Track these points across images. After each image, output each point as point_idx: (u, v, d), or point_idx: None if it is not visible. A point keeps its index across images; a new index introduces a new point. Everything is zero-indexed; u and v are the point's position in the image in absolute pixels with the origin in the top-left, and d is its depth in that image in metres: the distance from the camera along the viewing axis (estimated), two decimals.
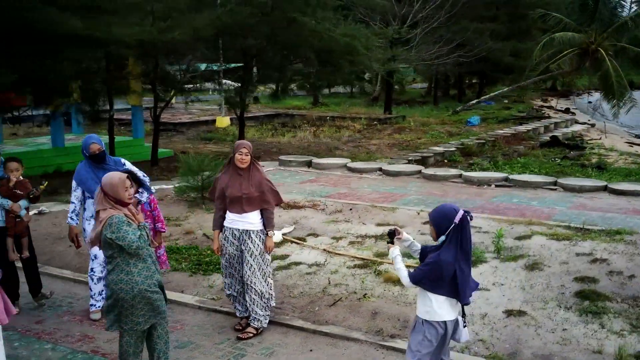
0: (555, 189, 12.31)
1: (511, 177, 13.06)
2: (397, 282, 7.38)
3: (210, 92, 31.69)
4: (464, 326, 4.51)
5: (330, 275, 7.64)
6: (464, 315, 4.50)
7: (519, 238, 8.99)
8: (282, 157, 15.56)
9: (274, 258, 8.23)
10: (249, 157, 6.02)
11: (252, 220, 6.03)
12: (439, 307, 4.40)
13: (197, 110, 32.17)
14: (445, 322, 4.42)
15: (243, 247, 6.04)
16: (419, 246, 4.65)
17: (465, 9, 32.04)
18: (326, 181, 13.47)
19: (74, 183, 6.37)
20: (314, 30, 17.04)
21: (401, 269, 4.52)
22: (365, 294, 7.05)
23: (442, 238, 4.37)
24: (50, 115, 16.81)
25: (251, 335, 6.01)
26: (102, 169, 6.31)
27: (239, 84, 22.61)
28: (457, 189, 12.66)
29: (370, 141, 23.51)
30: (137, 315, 4.82)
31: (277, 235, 9.04)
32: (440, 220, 4.39)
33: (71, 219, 6.40)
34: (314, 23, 17.21)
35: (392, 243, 4.69)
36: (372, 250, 8.57)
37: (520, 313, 6.55)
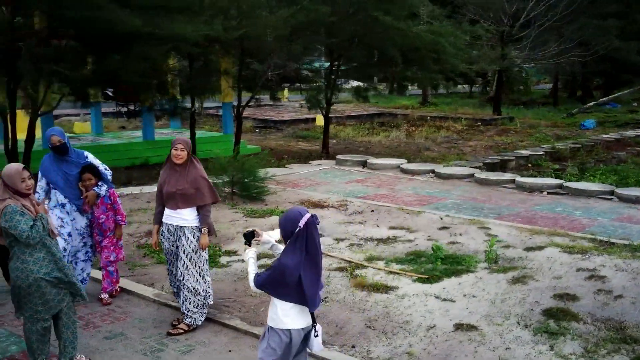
0: (611, 199, 11.37)
1: (566, 184, 12.21)
2: (365, 287, 7.20)
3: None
4: (316, 335, 4.33)
5: None
6: (314, 323, 4.33)
7: (529, 249, 8.44)
8: (339, 157, 15.48)
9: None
10: (185, 152, 6.08)
11: (186, 216, 6.10)
12: (284, 315, 4.26)
13: (305, 108, 32.67)
14: (289, 331, 4.27)
15: (178, 244, 6.14)
16: (282, 249, 4.53)
17: (585, 5, 30.18)
18: (373, 182, 13.27)
19: (39, 174, 6.71)
20: (397, 28, 16.81)
21: (251, 271, 4.43)
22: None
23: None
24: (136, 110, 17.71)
25: (181, 331, 6.09)
26: (64, 160, 6.64)
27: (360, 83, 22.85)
28: (504, 195, 12.03)
29: (467, 142, 22.87)
30: (35, 303, 5.05)
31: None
32: (285, 224, 4.27)
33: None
34: (396, 21, 16.96)
35: (250, 245, 4.59)
36: (366, 254, 8.39)
37: (471, 328, 6.17)
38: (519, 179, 12.73)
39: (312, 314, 4.29)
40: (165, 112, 17.86)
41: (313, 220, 4.22)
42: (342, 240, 9.03)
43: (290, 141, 23.43)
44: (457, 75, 30.82)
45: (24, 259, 4.99)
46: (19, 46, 13.31)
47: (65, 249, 6.68)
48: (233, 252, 8.45)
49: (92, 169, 6.68)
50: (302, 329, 4.29)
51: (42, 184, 6.69)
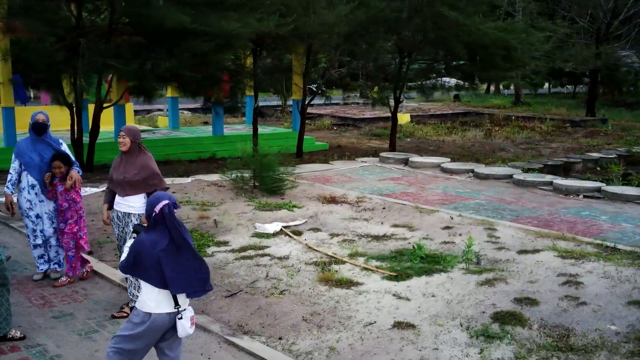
0: None
1: (604, 188, 11.49)
2: (328, 282, 7.16)
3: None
4: (179, 318, 4.37)
5: (280, 269, 7.61)
6: (177, 306, 4.36)
7: (523, 252, 8.07)
8: (383, 154, 15.31)
9: (253, 247, 8.38)
10: (128, 140, 6.25)
11: (133, 203, 6.30)
12: (147, 298, 4.32)
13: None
14: (150, 314, 4.34)
15: (126, 229, 6.36)
16: None
17: None
18: (407, 180, 13.05)
19: (13, 156, 7.12)
20: (462, 24, 16.43)
21: (122, 258, 4.50)
22: (283, 291, 6.94)
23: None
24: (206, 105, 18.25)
25: (125, 314, 6.27)
26: (42, 142, 7.03)
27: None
28: (536, 197, 11.49)
29: (550, 144, 21.98)
30: None
31: (273, 226, 9.18)
32: (148, 206, 4.37)
33: (7, 187, 7.12)
34: (462, 17, 16.57)
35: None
36: (352, 250, 8.32)
37: (409, 326, 6.00)
38: (556, 181, 12.12)
39: (174, 297, 4.33)
40: (227, 108, 18.28)
41: (169, 207, 4.29)
42: (338, 235, 8.99)
43: (363, 139, 23.39)
44: (547, 74, 29.76)
45: None
46: (80, 42, 14.13)
47: (34, 230, 7.09)
48: (223, 243, 8.61)
49: (62, 157, 7.00)
50: (168, 313, 4.35)
51: (15, 165, 7.07)
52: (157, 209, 4.27)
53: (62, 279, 7.13)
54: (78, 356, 5.46)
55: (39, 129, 7.02)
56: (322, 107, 30.03)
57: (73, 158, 7.13)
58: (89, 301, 6.72)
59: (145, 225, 4.55)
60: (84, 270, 7.29)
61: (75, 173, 6.98)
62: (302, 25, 15.75)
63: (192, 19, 13.73)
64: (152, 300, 4.32)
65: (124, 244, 6.37)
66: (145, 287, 4.33)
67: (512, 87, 43.43)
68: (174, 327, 4.41)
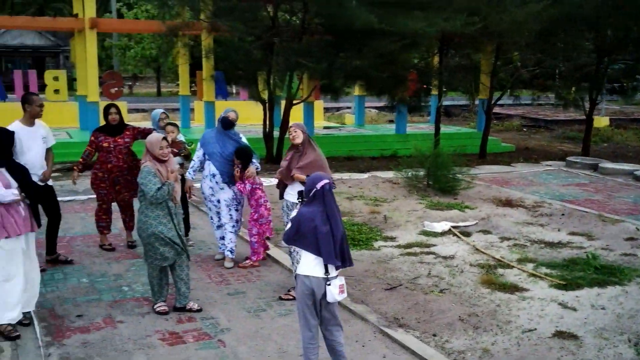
0: None
1: None
2: (491, 285, 7.06)
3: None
4: (328, 284, 4.65)
5: (443, 268, 7.63)
6: (326, 272, 4.65)
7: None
8: (570, 159, 14.53)
9: (419, 245, 8.45)
10: (300, 132, 6.59)
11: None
12: (306, 263, 4.70)
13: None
14: (309, 277, 4.67)
15: None
16: None
17: None
18: (594, 186, 12.31)
19: (198, 145, 7.76)
20: None
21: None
22: (443, 289, 6.95)
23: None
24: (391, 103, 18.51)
25: (291, 297, 6.58)
26: (226, 135, 7.59)
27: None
28: None
29: None
30: (154, 252, 6.07)
31: (442, 225, 9.17)
32: (309, 182, 4.78)
33: (188, 174, 7.71)
34: None
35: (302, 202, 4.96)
36: (521, 255, 8.11)
37: (571, 337, 5.76)
38: None
39: (325, 266, 4.65)
40: (410, 107, 18.36)
41: (329, 185, 4.75)
42: (508, 239, 8.78)
43: (553, 142, 22.44)
44: None
45: (147, 213, 6.02)
46: (274, 41, 15.00)
47: (218, 213, 7.70)
48: (390, 239, 8.77)
49: (243, 151, 7.45)
50: (318, 277, 4.67)
51: (199, 154, 7.68)
52: (319, 185, 4.70)
53: (246, 262, 7.67)
54: (245, 331, 5.88)
55: (228, 124, 7.58)
56: (512, 108, 29.09)
57: (253, 153, 7.61)
58: (261, 282, 7.18)
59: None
60: (259, 256, 7.75)
61: (252, 167, 7.43)
62: (491, 24, 15.43)
63: (379, 18, 14.03)
64: (310, 265, 4.69)
65: None
66: (306, 255, 4.72)
67: None
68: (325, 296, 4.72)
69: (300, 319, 4.80)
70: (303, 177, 6.46)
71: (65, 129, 17.39)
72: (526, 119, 27.06)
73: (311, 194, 4.72)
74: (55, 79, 19.90)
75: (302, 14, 15.92)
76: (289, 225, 4.82)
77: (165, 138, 6.27)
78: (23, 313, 5.75)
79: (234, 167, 7.46)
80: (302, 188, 6.54)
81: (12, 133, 6.02)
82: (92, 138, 7.83)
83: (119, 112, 7.94)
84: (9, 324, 5.55)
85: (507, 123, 26.94)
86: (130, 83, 44.73)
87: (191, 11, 16.80)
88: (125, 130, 7.95)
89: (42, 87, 19.77)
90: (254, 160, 7.50)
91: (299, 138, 6.65)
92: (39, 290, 6.06)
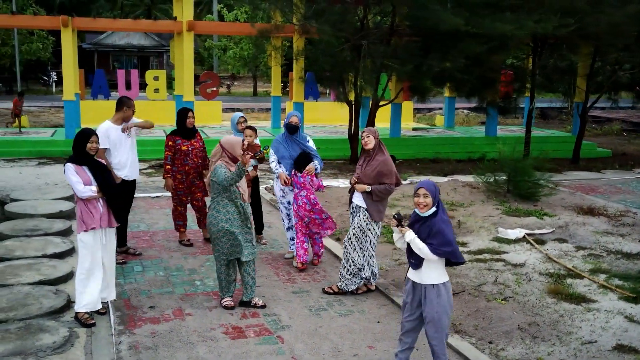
0: None
1: None
2: (558, 295, 6.97)
3: None
4: None
5: (510, 275, 7.59)
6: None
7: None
8: None
9: (490, 251, 8.43)
10: (372, 138, 6.68)
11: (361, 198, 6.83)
12: (443, 270, 4.93)
13: None
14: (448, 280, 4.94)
15: (354, 219, 6.89)
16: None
17: None
18: None
19: (270, 149, 8.00)
20: None
21: (422, 246, 4.80)
22: (507, 297, 6.93)
23: (433, 209, 4.82)
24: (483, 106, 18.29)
25: (331, 292, 6.94)
26: (292, 139, 7.86)
27: None
28: None
29: None
30: (221, 246, 6.40)
31: (516, 232, 9.08)
32: (436, 191, 4.86)
33: (276, 169, 7.90)
34: None
35: (402, 226, 4.97)
36: (595, 265, 7.93)
37: (632, 351, 5.64)
38: None
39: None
40: (501, 109, 18.04)
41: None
42: (584, 249, 8.60)
43: None
44: None
45: (218, 209, 6.35)
46: (362, 43, 15.18)
47: (288, 215, 7.97)
48: (462, 244, 8.73)
49: (305, 156, 7.69)
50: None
51: (273, 158, 7.99)
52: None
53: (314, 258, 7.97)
54: (304, 329, 6.11)
55: (292, 129, 7.86)
56: (613, 111, 27.98)
57: (316, 155, 7.81)
58: (326, 282, 7.39)
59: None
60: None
61: (311, 165, 7.65)
62: (586, 26, 14.97)
63: (466, 21, 13.93)
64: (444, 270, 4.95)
65: (353, 234, 6.88)
66: (441, 262, 4.90)
67: None
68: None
69: (445, 329, 4.93)
70: (364, 187, 6.65)
71: (163, 127, 18.23)
72: (627, 123, 25.95)
73: (436, 198, 4.83)
74: (156, 78, 20.93)
75: (391, 16, 16.03)
76: (448, 231, 4.79)
77: (243, 140, 6.58)
78: (102, 302, 6.21)
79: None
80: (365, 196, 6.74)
81: (91, 133, 6.23)
82: (170, 143, 8.22)
83: (194, 116, 8.38)
84: (86, 312, 6.02)
85: (606, 127, 25.94)
86: (228, 82, 46.11)
87: (282, 14, 17.23)
88: (196, 134, 8.37)
89: (143, 86, 20.81)
90: (315, 161, 7.72)
91: (370, 143, 6.76)
92: (119, 281, 6.52)
